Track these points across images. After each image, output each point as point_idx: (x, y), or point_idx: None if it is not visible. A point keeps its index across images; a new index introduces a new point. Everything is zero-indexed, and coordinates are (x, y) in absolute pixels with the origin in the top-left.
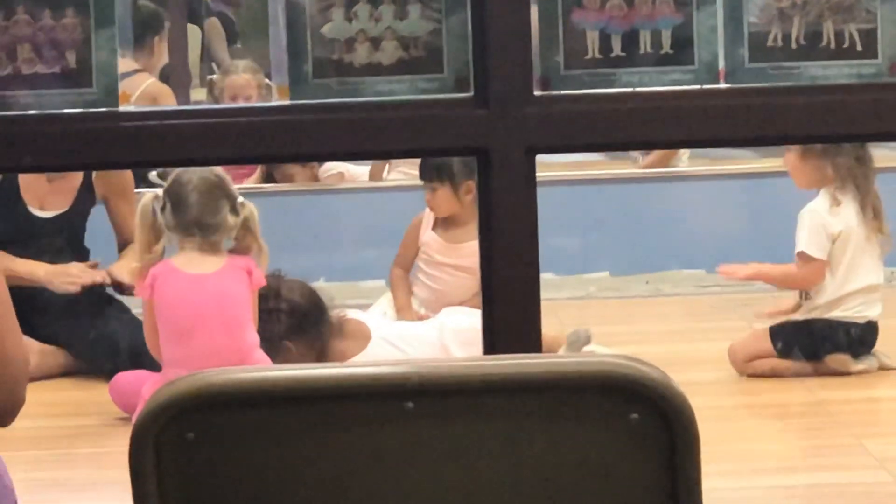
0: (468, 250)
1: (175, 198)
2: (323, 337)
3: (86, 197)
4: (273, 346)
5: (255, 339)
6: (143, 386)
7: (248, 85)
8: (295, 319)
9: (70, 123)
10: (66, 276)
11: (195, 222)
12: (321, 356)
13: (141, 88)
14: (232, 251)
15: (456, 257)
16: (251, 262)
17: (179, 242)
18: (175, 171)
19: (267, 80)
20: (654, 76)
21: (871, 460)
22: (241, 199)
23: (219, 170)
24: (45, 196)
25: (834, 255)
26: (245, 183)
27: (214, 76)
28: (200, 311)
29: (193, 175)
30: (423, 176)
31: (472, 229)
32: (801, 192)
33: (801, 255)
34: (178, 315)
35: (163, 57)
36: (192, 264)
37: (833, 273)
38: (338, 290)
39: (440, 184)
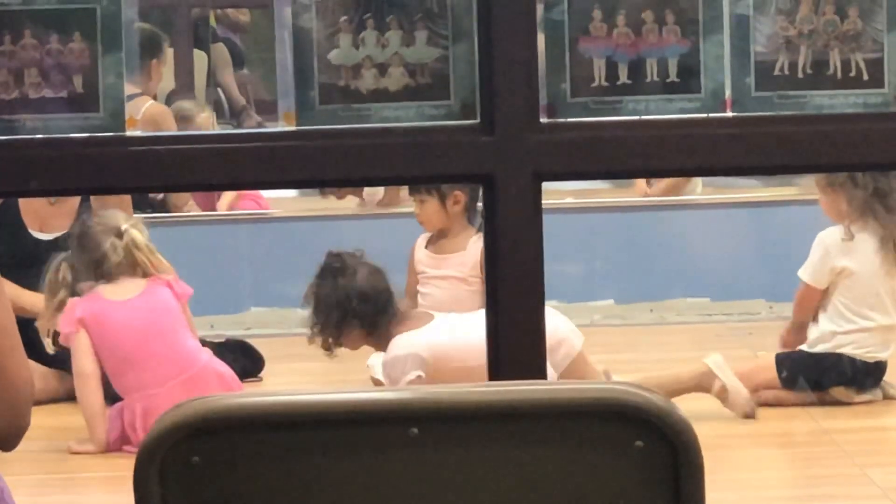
0: (456, 260)
1: (72, 255)
2: (384, 324)
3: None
4: (336, 326)
5: (197, 343)
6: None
7: (209, 122)
8: (359, 303)
9: (77, 148)
10: None
11: (83, 264)
12: (381, 341)
13: (141, 111)
14: (144, 275)
15: (445, 268)
16: (168, 279)
17: (91, 284)
18: None
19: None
20: (661, 104)
21: (876, 490)
22: (123, 226)
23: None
24: (46, 218)
25: (840, 290)
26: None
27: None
28: (135, 332)
29: (75, 226)
30: (411, 190)
31: (460, 241)
32: (806, 221)
33: (800, 280)
34: (118, 344)
35: (161, 80)
36: (114, 292)
37: (840, 307)
38: None
39: (428, 195)
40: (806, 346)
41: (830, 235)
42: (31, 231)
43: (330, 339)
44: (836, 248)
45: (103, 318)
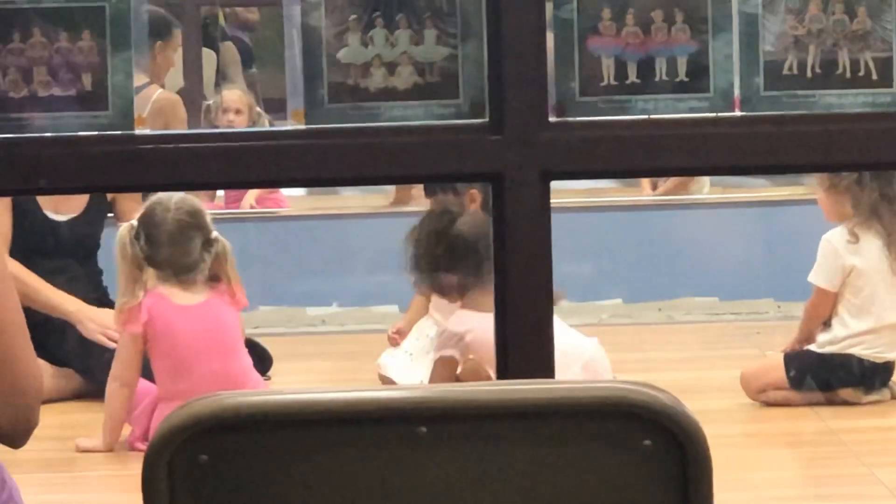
0: None
1: (149, 233)
2: (480, 277)
3: (98, 200)
4: (432, 274)
5: (248, 361)
6: (144, 397)
7: (240, 101)
8: (458, 251)
9: (85, 146)
10: (96, 324)
11: (168, 263)
12: (470, 297)
13: (150, 103)
14: (207, 280)
15: None
16: (230, 286)
17: (157, 275)
18: (149, 201)
19: (258, 109)
20: (670, 103)
21: (883, 490)
22: (214, 233)
23: (193, 202)
24: (61, 199)
25: (850, 290)
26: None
27: (210, 101)
28: (195, 342)
29: (167, 214)
30: (427, 190)
31: None
32: (814, 220)
33: (812, 284)
34: (174, 349)
35: (168, 64)
36: (178, 295)
37: (849, 307)
38: (351, 315)
39: (444, 195)
40: (815, 346)
41: (836, 236)
42: (45, 211)
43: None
44: (844, 247)
45: (168, 322)
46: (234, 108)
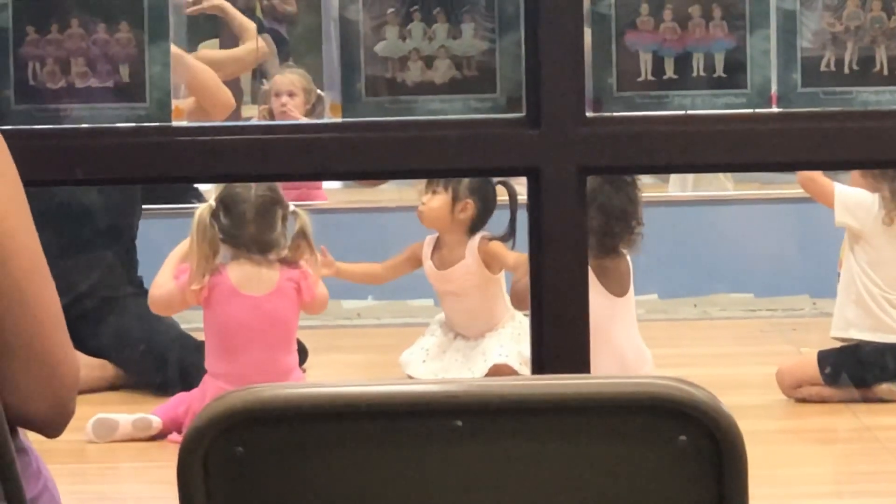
0: (454, 275)
1: (232, 210)
2: (610, 246)
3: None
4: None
5: (295, 360)
6: (183, 406)
7: (291, 84)
8: (603, 218)
9: (122, 137)
10: None
11: (252, 240)
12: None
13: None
14: (283, 260)
15: (445, 282)
16: (303, 276)
17: (233, 254)
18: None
19: (319, 91)
20: (707, 99)
21: None
22: (292, 207)
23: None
24: None
25: (869, 265)
26: None
27: (266, 85)
28: (249, 332)
29: (249, 190)
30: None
31: (459, 253)
32: None
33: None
34: (227, 332)
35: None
36: (246, 282)
37: (874, 288)
38: (387, 309)
39: (444, 191)
40: (841, 332)
41: (873, 201)
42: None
43: None
44: (869, 209)
45: (225, 306)
46: (287, 90)
